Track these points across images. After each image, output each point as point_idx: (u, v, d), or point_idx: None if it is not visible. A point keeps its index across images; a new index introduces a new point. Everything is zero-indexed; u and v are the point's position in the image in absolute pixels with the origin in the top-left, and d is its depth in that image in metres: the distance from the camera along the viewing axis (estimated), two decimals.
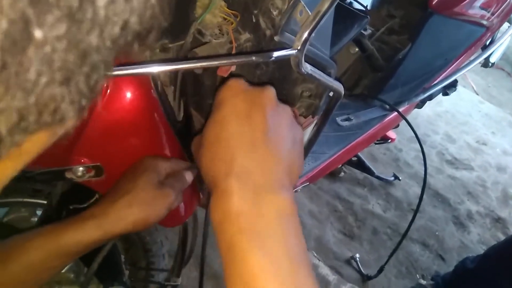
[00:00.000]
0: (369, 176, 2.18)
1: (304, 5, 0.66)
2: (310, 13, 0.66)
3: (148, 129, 0.81)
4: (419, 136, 2.61)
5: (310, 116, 0.93)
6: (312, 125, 0.96)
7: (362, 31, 1.50)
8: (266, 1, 0.69)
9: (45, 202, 0.95)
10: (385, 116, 1.59)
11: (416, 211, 1.59)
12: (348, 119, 1.55)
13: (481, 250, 2.05)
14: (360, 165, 2.12)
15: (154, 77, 0.79)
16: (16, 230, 0.89)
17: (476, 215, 2.25)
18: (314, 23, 0.58)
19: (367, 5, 1.99)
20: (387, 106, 1.57)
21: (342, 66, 1.70)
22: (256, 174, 0.41)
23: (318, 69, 0.81)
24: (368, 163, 2.19)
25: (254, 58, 0.57)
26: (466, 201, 2.32)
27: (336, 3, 0.57)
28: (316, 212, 1.95)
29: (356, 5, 1.99)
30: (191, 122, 0.94)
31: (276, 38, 0.67)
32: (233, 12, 0.71)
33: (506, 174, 2.59)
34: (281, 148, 0.45)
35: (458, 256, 1.98)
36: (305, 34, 0.58)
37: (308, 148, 1.01)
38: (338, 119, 1.55)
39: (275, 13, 0.66)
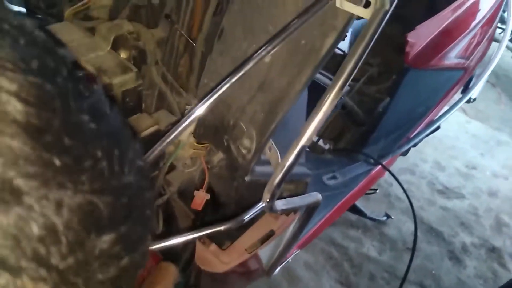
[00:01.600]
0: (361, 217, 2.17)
1: (272, 143, 0.67)
2: (277, 151, 0.66)
3: None
4: (408, 167, 2.62)
5: (292, 213, 0.93)
6: (295, 222, 0.96)
7: None
8: (234, 132, 0.70)
9: None
10: (370, 170, 1.60)
11: (411, 258, 1.59)
12: (334, 177, 1.55)
13: (478, 285, 2.05)
14: (351, 207, 2.12)
15: None
16: None
17: (470, 247, 2.25)
18: (281, 176, 0.58)
19: (344, 51, 2.01)
20: (372, 160, 1.57)
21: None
22: None
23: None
24: (359, 202, 2.19)
25: (226, 226, 0.56)
26: (460, 232, 2.32)
27: (299, 159, 0.57)
28: (312, 263, 1.94)
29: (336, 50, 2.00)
30: (173, 225, 0.94)
31: (247, 178, 0.66)
32: (203, 145, 0.71)
33: (497, 198, 2.60)
34: None
35: None
36: (273, 189, 0.58)
37: (292, 242, 1.00)
38: (324, 178, 1.54)
39: (244, 151, 0.66)
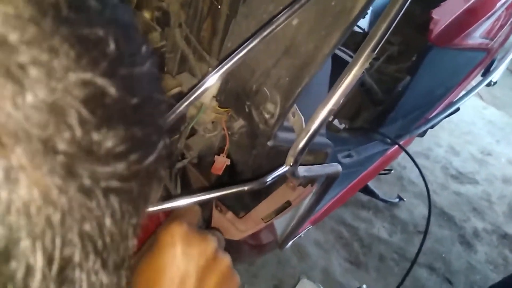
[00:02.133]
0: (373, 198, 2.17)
1: (297, 108, 0.66)
2: (302, 116, 0.65)
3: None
4: (423, 151, 2.60)
5: (309, 185, 0.92)
6: (311, 194, 0.95)
7: None
8: (257, 98, 0.68)
9: None
10: (386, 150, 1.58)
11: (423, 240, 1.58)
12: (349, 156, 1.54)
13: (488, 270, 2.04)
14: (363, 188, 2.11)
15: None
16: None
17: (482, 232, 2.23)
18: (305, 141, 0.57)
19: (364, 29, 1.98)
20: (388, 140, 1.55)
21: None
22: None
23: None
24: (372, 183, 2.18)
25: (249, 187, 0.56)
26: (472, 218, 2.30)
27: (325, 122, 0.56)
28: (322, 241, 1.95)
29: (355, 28, 1.97)
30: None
31: (269, 143, 0.66)
32: (225, 110, 0.71)
33: (511, 186, 2.57)
34: None
35: (465, 279, 1.98)
36: (297, 153, 0.57)
37: (307, 215, 1.00)
38: (339, 156, 1.53)
39: (267, 116, 0.65)
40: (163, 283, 0.44)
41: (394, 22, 0.53)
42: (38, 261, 0.16)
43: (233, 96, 0.73)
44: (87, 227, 0.18)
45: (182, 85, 0.68)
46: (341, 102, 0.55)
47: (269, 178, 0.57)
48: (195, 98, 0.58)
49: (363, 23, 2.00)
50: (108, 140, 0.17)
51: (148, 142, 0.20)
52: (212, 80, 0.54)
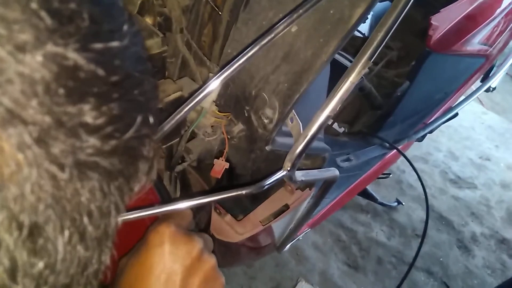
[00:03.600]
0: (372, 201, 2.18)
1: (295, 114, 0.67)
2: (299, 122, 0.66)
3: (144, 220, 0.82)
4: (422, 155, 2.60)
5: (307, 188, 0.94)
6: (309, 197, 0.96)
7: None
8: (256, 103, 0.70)
9: None
10: (384, 154, 1.59)
11: (420, 244, 1.59)
12: (348, 160, 1.55)
13: (486, 275, 2.05)
14: (362, 192, 2.12)
15: None
16: None
17: (480, 237, 2.24)
18: (303, 146, 0.58)
19: (364, 33, 1.99)
20: (387, 144, 1.56)
21: None
22: None
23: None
24: (371, 187, 2.19)
25: (247, 191, 0.57)
26: (470, 222, 2.31)
27: (323, 127, 0.57)
28: (320, 244, 1.96)
29: (356, 33, 1.98)
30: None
31: (267, 148, 0.67)
32: (225, 114, 0.72)
33: (510, 191, 2.58)
34: None
35: (462, 283, 1.98)
36: (294, 158, 0.58)
37: (304, 219, 1.01)
38: (338, 160, 1.54)
39: (266, 121, 0.66)
40: (150, 280, 0.46)
41: (391, 30, 0.54)
42: (8, 226, 0.17)
43: (233, 100, 0.74)
44: (60, 200, 0.18)
45: (182, 90, 0.69)
46: (338, 108, 0.57)
47: (267, 182, 0.58)
48: (196, 103, 0.59)
49: (364, 27, 2.01)
50: (81, 114, 0.17)
51: (126, 118, 0.20)
52: (213, 86, 0.55)
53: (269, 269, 1.77)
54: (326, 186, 0.88)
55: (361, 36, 1.95)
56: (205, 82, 0.58)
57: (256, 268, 1.75)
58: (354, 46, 1.87)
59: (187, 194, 0.93)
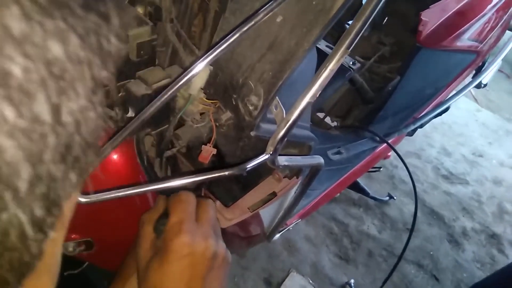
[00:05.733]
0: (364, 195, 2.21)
1: (279, 101, 0.69)
2: (283, 109, 0.69)
3: (135, 201, 0.85)
4: (415, 151, 2.63)
5: (295, 177, 0.96)
6: (297, 185, 0.99)
7: (351, 65, 1.52)
8: (243, 91, 0.72)
9: None
10: (375, 147, 1.62)
11: (409, 237, 1.62)
12: (338, 153, 1.57)
13: (475, 269, 2.08)
14: (354, 186, 2.15)
15: (139, 149, 0.82)
16: None
17: (471, 232, 2.27)
18: (284, 130, 0.61)
19: None
20: (377, 138, 1.59)
21: (333, 97, 1.73)
22: None
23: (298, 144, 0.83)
24: (363, 181, 2.22)
25: (230, 172, 0.59)
26: (461, 217, 2.34)
27: (306, 109, 0.60)
28: (312, 236, 1.99)
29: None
30: None
31: (252, 133, 0.69)
32: (213, 101, 0.74)
33: (502, 187, 2.61)
34: None
35: (452, 276, 2.02)
36: (276, 142, 0.61)
37: (292, 207, 1.04)
38: (329, 153, 1.57)
39: (251, 108, 0.69)
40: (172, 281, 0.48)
41: (369, 20, 0.57)
42: None
43: (222, 89, 0.76)
44: None
45: (171, 77, 0.72)
46: (318, 94, 0.59)
47: (250, 165, 0.61)
48: (180, 87, 0.61)
49: None
50: None
51: None
52: (196, 70, 0.57)
53: (262, 260, 1.80)
54: (312, 174, 0.90)
55: None
56: (191, 64, 0.60)
57: (248, 259, 1.78)
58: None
59: (173, 175, 0.95)
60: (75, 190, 0.22)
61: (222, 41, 0.56)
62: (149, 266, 0.50)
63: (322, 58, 0.83)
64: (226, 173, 0.59)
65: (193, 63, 0.57)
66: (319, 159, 0.83)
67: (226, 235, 1.14)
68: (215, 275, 0.52)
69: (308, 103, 0.59)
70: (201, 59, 0.57)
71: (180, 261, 0.48)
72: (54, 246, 0.24)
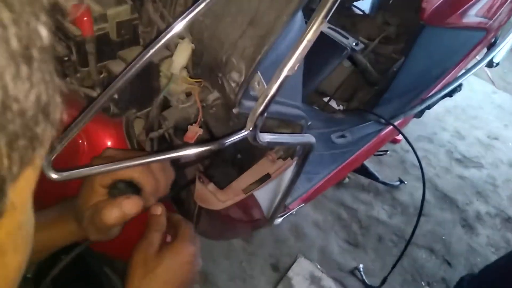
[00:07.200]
0: (374, 180, 2.18)
1: (261, 77, 0.68)
2: (265, 85, 0.68)
3: None
4: (427, 135, 2.58)
5: (289, 158, 0.95)
6: (292, 166, 0.98)
7: (354, 46, 1.49)
8: (226, 69, 0.71)
9: None
10: (380, 130, 1.59)
11: (417, 220, 1.59)
12: (343, 136, 1.55)
13: (489, 253, 2.04)
14: (363, 171, 2.12)
15: (129, 132, 0.82)
16: None
17: (485, 216, 2.22)
18: (264, 105, 0.59)
19: (364, 10, 1.97)
20: (383, 121, 1.56)
21: (337, 79, 1.70)
22: None
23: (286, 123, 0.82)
24: (373, 166, 2.19)
25: (208, 147, 0.59)
26: (475, 201, 2.29)
27: (281, 87, 0.58)
28: (320, 222, 1.97)
29: (355, 10, 1.97)
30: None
31: (234, 110, 0.68)
32: (197, 80, 0.73)
33: None
34: None
35: (465, 261, 1.98)
36: (256, 117, 0.60)
37: (289, 188, 1.03)
38: (333, 136, 1.55)
39: (233, 85, 0.68)
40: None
41: None
42: None
43: (208, 69, 0.75)
44: None
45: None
46: (296, 68, 0.58)
47: (228, 140, 0.60)
48: (159, 48, 0.59)
49: (365, 5, 2.00)
50: None
51: None
52: (177, 28, 0.57)
53: (269, 246, 1.80)
54: (305, 154, 0.89)
55: (361, 13, 1.94)
56: (168, 26, 0.59)
57: (255, 245, 1.78)
58: (353, 23, 1.86)
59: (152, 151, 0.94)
60: (27, 164, 0.21)
61: (197, 4, 0.55)
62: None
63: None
64: (206, 148, 0.59)
65: (172, 21, 0.56)
66: (309, 137, 0.82)
67: (231, 220, 1.14)
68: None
69: (286, 76, 0.58)
70: (182, 17, 0.56)
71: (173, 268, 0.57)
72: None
